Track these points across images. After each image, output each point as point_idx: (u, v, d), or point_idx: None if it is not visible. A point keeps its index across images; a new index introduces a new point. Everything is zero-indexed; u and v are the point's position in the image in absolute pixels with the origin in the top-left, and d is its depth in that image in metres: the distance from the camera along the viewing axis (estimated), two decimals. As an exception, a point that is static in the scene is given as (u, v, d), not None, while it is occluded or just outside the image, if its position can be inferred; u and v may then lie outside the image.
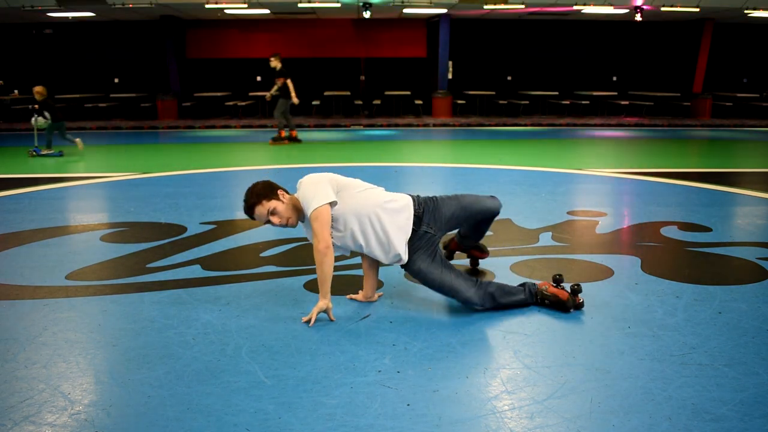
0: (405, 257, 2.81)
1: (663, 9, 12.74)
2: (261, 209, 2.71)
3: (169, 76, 15.07)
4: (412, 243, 2.81)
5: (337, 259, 3.66)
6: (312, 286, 3.22)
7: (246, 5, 12.66)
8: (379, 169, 7.05)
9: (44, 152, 8.94)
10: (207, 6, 12.50)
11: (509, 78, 16.46)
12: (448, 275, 2.81)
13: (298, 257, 3.73)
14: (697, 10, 12.81)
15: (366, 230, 2.77)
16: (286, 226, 2.77)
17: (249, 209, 2.74)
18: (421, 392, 2.11)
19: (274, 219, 2.72)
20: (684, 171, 7.39)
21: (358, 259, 3.60)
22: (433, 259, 2.82)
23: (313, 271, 3.44)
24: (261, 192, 2.72)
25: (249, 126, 13.55)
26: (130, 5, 12.28)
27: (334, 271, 3.43)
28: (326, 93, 15.33)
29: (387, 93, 15.30)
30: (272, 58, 10.23)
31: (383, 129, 13.22)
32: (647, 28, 15.70)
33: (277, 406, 2.03)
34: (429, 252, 2.82)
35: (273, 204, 2.71)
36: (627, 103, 15.37)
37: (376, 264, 2.98)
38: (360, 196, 2.80)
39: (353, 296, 3.03)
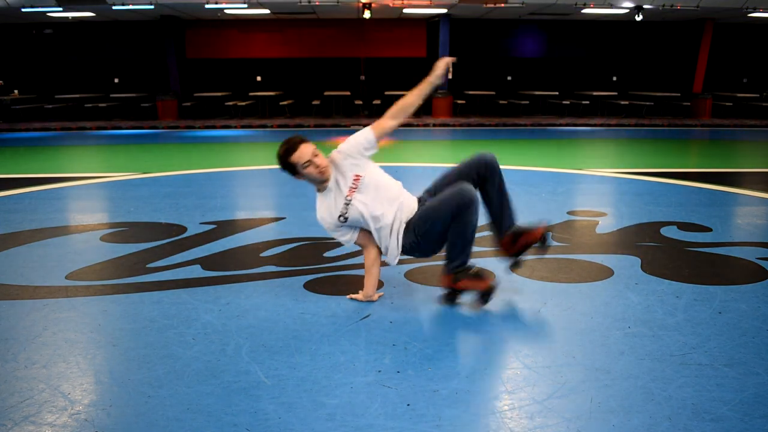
0: (398, 253, 2.93)
1: (663, 8, 12.74)
2: (307, 147, 2.76)
3: (169, 76, 15.07)
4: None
5: (339, 257, 3.67)
6: (312, 286, 3.22)
7: (246, 5, 12.66)
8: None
9: None
10: (207, 6, 12.50)
11: (509, 78, 16.46)
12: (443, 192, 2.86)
13: (299, 257, 3.73)
14: (697, 9, 12.81)
15: (384, 204, 2.88)
16: (323, 174, 2.79)
17: (295, 145, 2.75)
18: (421, 392, 2.11)
19: (318, 160, 2.76)
20: (684, 171, 7.39)
21: (358, 259, 3.60)
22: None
23: (313, 271, 3.45)
24: (304, 137, 2.82)
25: (249, 126, 13.55)
26: (130, 5, 12.28)
27: (335, 271, 3.45)
28: (326, 93, 15.32)
29: (387, 93, 15.29)
30: None
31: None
32: (647, 28, 15.70)
33: (277, 406, 2.03)
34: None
35: (315, 148, 2.79)
36: (627, 103, 15.37)
37: (377, 263, 2.99)
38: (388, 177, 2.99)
39: (354, 296, 3.02)
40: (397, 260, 2.97)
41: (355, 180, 2.86)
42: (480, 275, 2.85)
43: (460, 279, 2.85)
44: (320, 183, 2.88)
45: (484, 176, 2.90)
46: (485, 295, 2.85)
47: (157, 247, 3.95)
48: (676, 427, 1.89)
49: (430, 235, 2.84)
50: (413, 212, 2.92)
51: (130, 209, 5.11)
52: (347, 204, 2.87)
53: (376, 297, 3.01)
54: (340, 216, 2.89)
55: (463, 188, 2.72)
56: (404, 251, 2.94)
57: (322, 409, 2.01)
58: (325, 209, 2.92)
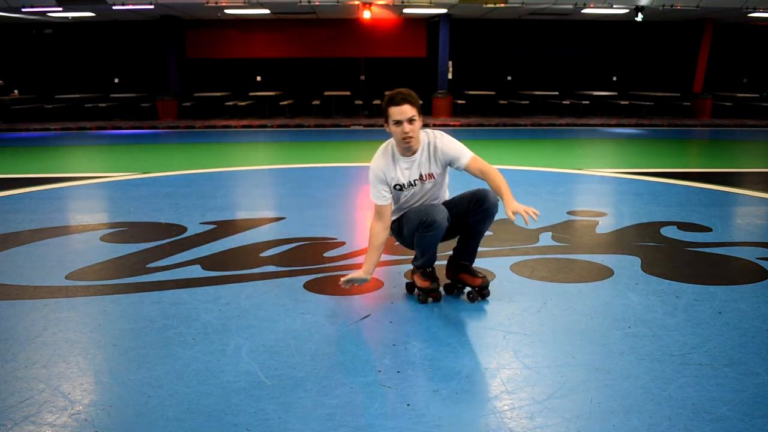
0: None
1: (663, 9, 12.74)
2: (409, 110, 2.75)
3: (169, 76, 15.06)
4: None
5: (339, 257, 3.66)
6: (312, 286, 3.22)
7: (246, 5, 12.66)
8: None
9: None
10: (207, 6, 12.50)
11: (509, 78, 16.46)
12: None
13: (299, 257, 3.73)
14: (697, 9, 12.81)
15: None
16: (405, 142, 2.79)
17: (404, 99, 2.75)
18: (421, 392, 2.11)
19: (409, 126, 2.75)
20: (684, 171, 7.39)
21: (358, 260, 3.60)
22: None
23: (313, 271, 3.45)
24: (414, 98, 2.80)
25: (249, 126, 13.55)
26: (130, 5, 12.27)
27: (335, 271, 3.45)
28: (326, 93, 15.32)
29: (387, 93, 15.26)
30: None
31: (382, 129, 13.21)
32: (647, 29, 15.70)
33: (277, 406, 2.03)
34: None
35: (416, 115, 2.78)
36: (627, 103, 15.37)
37: (382, 248, 2.94)
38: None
39: (348, 277, 2.90)
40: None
41: (429, 175, 2.92)
42: (427, 276, 2.99)
43: (414, 273, 3.07)
44: (404, 147, 2.85)
45: (471, 209, 2.92)
46: (426, 293, 2.98)
47: (157, 247, 3.95)
48: (676, 427, 1.89)
49: (403, 230, 2.98)
50: None
51: (130, 209, 5.11)
52: (412, 184, 2.90)
53: (371, 278, 2.95)
54: (397, 185, 2.90)
55: (434, 210, 2.82)
56: (391, 228, 3.03)
57: (321, 409, 2.01)
58: (393, 169, 2.88)
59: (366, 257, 2.94)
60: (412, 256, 3.10)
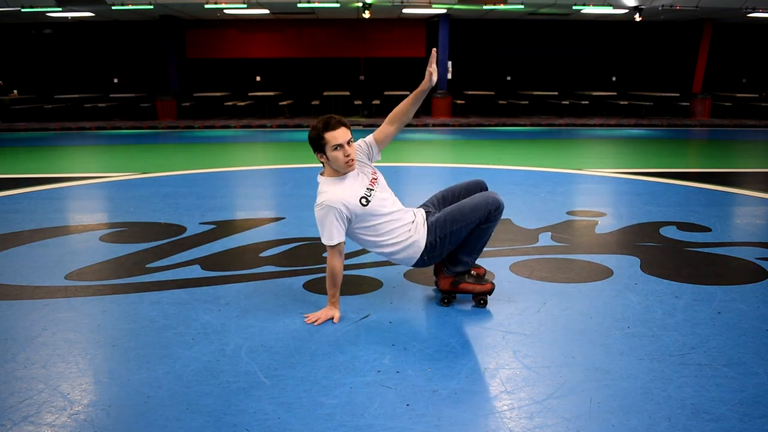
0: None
1: (662, 9, 12.75)
2: (345, 132, 2.68)
3: (169, 76, 15.07)
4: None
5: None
6: (311, 286, 3.22)
7: (245, 5, 12.66)
8: (378, 169, 6.98)
9: None
10: (206, 6, 12.50)
11: (509, 78, 16.47)
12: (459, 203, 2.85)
13: (298, 257, 3.73)
14: (697, 9, 12.82)
15: (397, 203, 2.93)
16: (349, 165, 2.72)
17: (339, 122, 2.68)
18: (421, 392, 2.11)
19: (350, 148, 2.70)
20: (683, 171, 7.40)
21: (357, 260, 3.60)
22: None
23: (313, 272, 3.45)
24: (346, 121, 2.76)
25: (248, 126, 13.55)
26: (130, 5, 12.27)
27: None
28: (325, 93, 15.32)
29: (386, 93, 15.29)
30: None
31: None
32: (647, 28, 15.71)
33: (277, 406, 2.03)
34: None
35: (351, 137, 2.73)
36: (626, 103, 15.38)
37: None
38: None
39: (313, 316, 2.79)
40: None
41: (372, 172, 2.86)
42: (481, 278, 2.94)
43: (461, 282, 2.92)
44: (348, 171, 2.76)
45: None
46: (484, 297, 2.91)
47: (156, 247, 3.95)
48: (675, 427, 1.89)
49: (452, 237, 2.81)
50: (424, 218, 2.90)
51: (130, 209, 5.11)
52: (370, 190, 2.78)
53: (338, 316, 2.80)
54: (362, 198, 2.73)
55: (495, 196, 2.81)
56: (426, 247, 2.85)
57: (321, 409, 2.01)
58: (350, 190, 2.73)
59: (334, 294, 2.81)
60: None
